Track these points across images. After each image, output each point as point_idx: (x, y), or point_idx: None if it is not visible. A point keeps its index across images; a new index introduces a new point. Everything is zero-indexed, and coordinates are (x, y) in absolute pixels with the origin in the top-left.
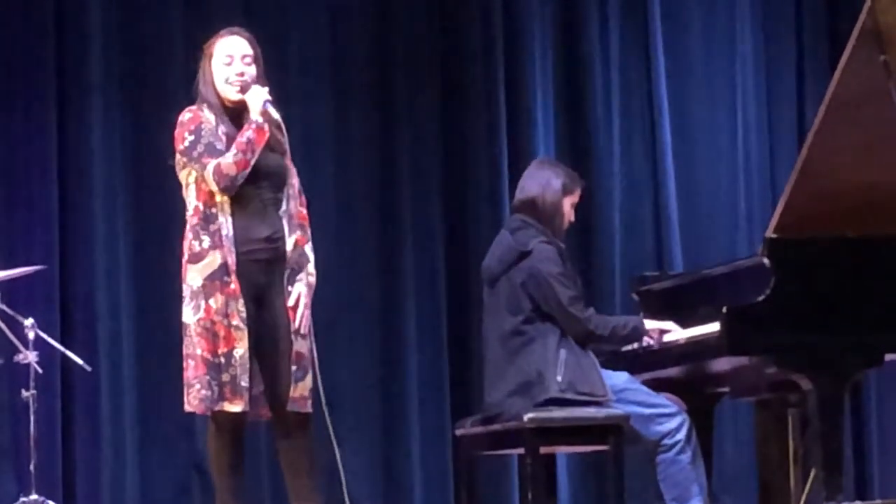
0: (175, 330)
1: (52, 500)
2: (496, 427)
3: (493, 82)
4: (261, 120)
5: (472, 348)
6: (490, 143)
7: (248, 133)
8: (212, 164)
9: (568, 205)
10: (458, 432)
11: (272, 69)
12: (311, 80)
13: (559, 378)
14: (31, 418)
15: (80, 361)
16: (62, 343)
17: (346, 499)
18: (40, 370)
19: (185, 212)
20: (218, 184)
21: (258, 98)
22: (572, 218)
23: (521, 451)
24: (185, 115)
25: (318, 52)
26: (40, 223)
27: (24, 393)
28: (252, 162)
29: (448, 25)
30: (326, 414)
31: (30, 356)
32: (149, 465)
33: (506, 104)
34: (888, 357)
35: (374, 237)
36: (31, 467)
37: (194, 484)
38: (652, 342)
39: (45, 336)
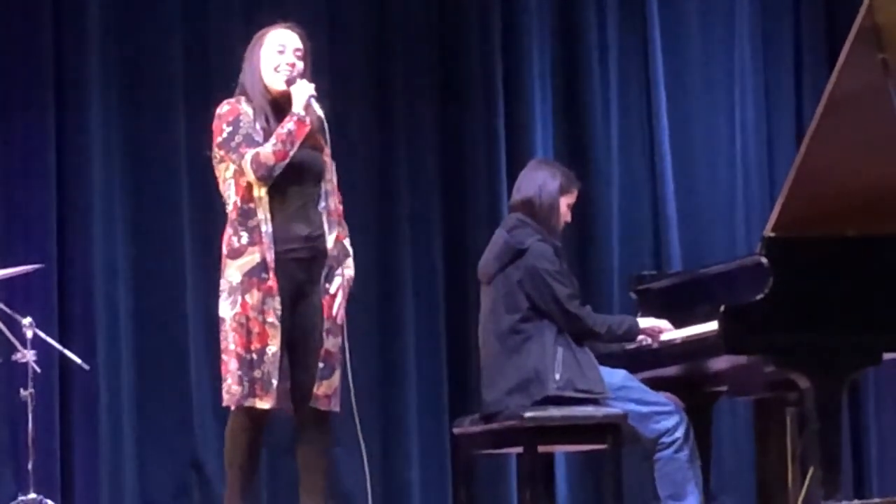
0: (173, 328)
1: (51, 499)
2: (494, 426)
3: (492, 83)
4: (303, 113)
5: (470, 347)
6: (488, 143)
7: (289, 125)
8: (250, 152)
9: (564, 205)
10: (457, 431)
11: None
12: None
13: (557, 376)
14: (30, 417)
15: (78, 360)
16: (60, 342)
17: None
18: (38, 369)
19: (224, 207)
20: (255, 172)
21: (304, 92)
22: (568, 218)
23: (520, 449)
24: (223, 108)
25: (316, 50)
26: (38, 222)
27: (23, 392)
28: (291, 153)
29: (446, 25)
30: (356, 414)
31: (28, 355)
32: (147, 464)
33: (504, 104)
34: (886, 356)
35: (372, 236)
36: (30, 466)
37: (192, 482)
38: (650, 341)
39: (43, 335)
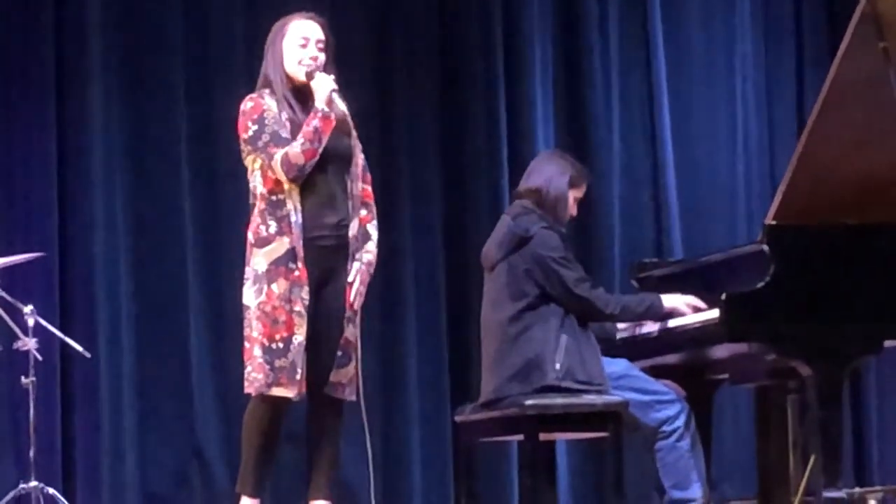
0: (174, 316)
1: (52, 486)
2: (496, 413)
3: (493, 70)
4: (327, 109)
5: (471, 334)
6: (490, 130)
7: (314, 122)
8: (279, 154)
9: (572, 198)
10: (458, 419)
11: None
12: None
13: (558, 365)
14: (31, 405)
15: (79, 348)
16: (61, 330)
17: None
18: (40, 357)
19: (250, 196)
20: (287, 174)
21: (325, 87)
22: (574, 212)
23: (521, 437)
24: (247, 104)
25: None
26: (39, 210)
27: (24, 380)
28: (320, 150)
29: (447, 14)
30: (362, 404)
31: (29, 343)
32: (148, 452)
33: (505, 92)
34: (887, 344)
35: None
36: (31, 454)
37: (193, 470)
38: (653, 329)
39: (44, 323)
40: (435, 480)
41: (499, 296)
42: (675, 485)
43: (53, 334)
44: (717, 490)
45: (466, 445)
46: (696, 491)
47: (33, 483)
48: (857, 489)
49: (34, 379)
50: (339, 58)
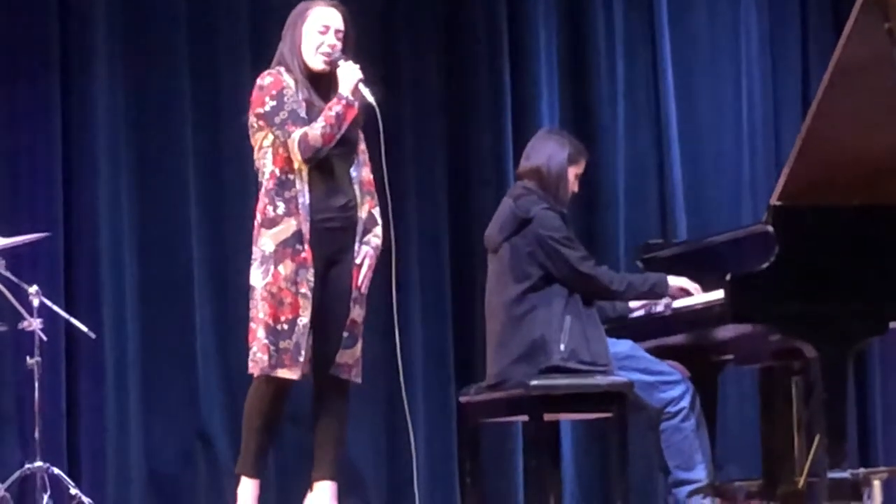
0: (179, 297)
1: (57, 467)
2: (500, 394)
3: (498, 53)
4: (352, 98)
5: (476, 316)
6: (494, 112)
7: (337, 108)
8: (298, 133)
9: (572, 175)
10: (463, 399)
11: (276, 34)
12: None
13: (562, 346)
14: (36, 386)
15: (84, 329)
16: (66, 310)
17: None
18: (45, 337)
19: (258, 175)
20: (303, 154)
21: (352, 76)
22: (576, 188)
23: (526, 418)
24: (266, 79)
25: None
26: (44, 190)
27: (29, 360)
28: (338, 137)
29: (452, 0)
30: (403, 387)
31: (34, 323)
32: (153, 433)
33: (510, 75)
34: (892, 325)
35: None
36: (36, 435)
37: (198, 452)
38: (662, 308)
39: (49, 303)
40: (440, 461)
41: (502, 277)
42: (679, 465)
43: (58, 315)
44: (722, 471)
45: (471, 426)
46: (700, 471)
47: (38, 463)
48: (861, 470)
49: (39, 359)
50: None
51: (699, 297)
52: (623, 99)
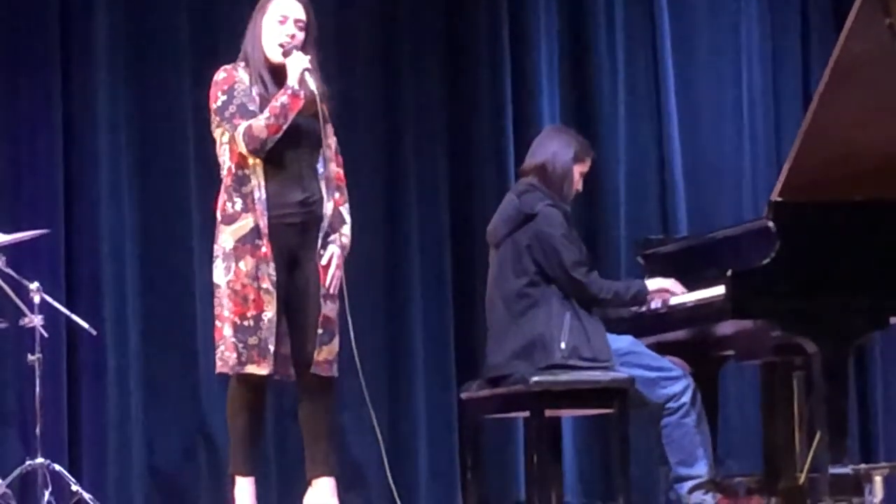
0: (180, 293)
1: (58, 463)
2: (501, 390)
3: (499, 48)
4: (297, 87)
5: (477, 311)
6: (495, 108)
7: (282, 98)
8: (243, 125)
9: (577, 173)
10: (464, 395)
11: None
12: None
13: (563, 345)
14: (37, 382)
15: (85, 325)
16: (67, 307)
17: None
18: (46, 334)
19: (218, 171)
20: (247, 145)
21: (298, 65)
22: (580, 187)
23: (527, 414)
24: (220, 75)
25: (323, 20)
26: (45, 187)
27: (30, 357)
28: (284, 127)
29: None
30: (362, 380)
31: (35, 320)
32: (154, 429)
33: (511, 69)
34: (893, 320)
35: (379, 201)
36: (37, 431)
37: (200, 447)
38: (658, 305)
39: (50, 300)
40: (441, 457)
41: (503, 272)
42: (680, 461)
43: (59, 311)
44: (723, 466)
45: (472, 422)
46: (701, 467)
47: (39, 459)
48: (862, 465)
49: (40, 356)
50: (345, 32)
51: (700, 292)
52: (623, 96)
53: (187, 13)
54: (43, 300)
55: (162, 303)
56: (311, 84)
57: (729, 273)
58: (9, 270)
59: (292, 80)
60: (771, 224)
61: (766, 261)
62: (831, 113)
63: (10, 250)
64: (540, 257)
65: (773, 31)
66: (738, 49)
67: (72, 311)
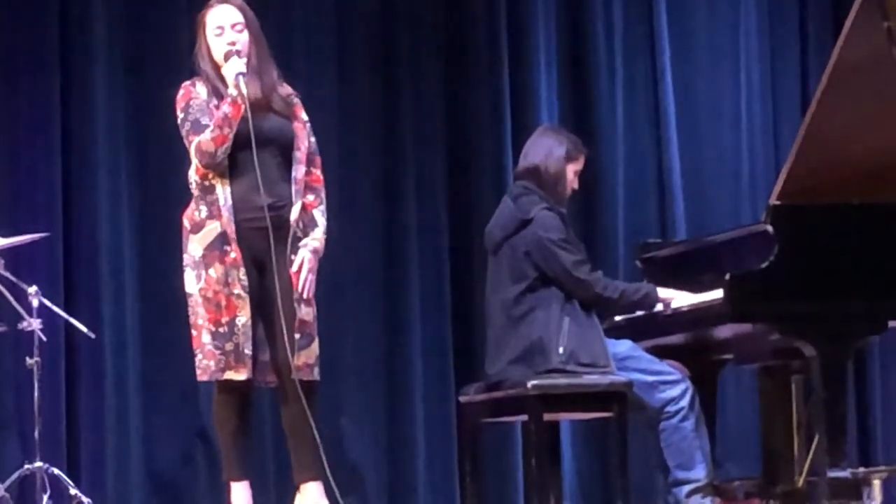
0: (179, 297)
1: (57, 467)
2: (500, 394)
3: (497, 50)
4: (234, 93)
5: (475, 315)
6: (493, 111)
7: (224, 108)
8: (194, 142)
9: (571, 172)
10: (462, 399)
11: (276, 34)
12: (315, 47)
13: (561, 349)
14: (36, 386)
15: (83, 329)
16: (66, 310)
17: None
18: (44, 338)
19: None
20: (200, 161)
21: (231, 71)
22: (576, 185)
23: (525, 418)
24: (179, 91)
25: (322, 19)
26: (43, 190)
27: (29, 360)
28: (230, 136)
29: None
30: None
31: (34, 324)
32: (153, 433)
33: (509, 72)
34: (891, 324)
35: (377, 205)
36: (36, 435)
37: (198, 451)
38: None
39: (48, 303)
40: (439, 461)
41: (501, 277)
42: (679, 465)
43: (58, 315)
44: (722, 470)
45: (471, 426)
46: (700, 471)
47: (38, 463)
48: (861, 469)
49: (38, 359)
50: (343, 34)
51: (698, 296)
52: (622, 98)
53: (187, 14)
54: (41, 304)
55: (160, 306)
56: (244, 88)
57: (727, 277)
58: (7, 274)
59: (230, 88)
60: (769, 227)
61: (764, 264)
62: (830, 116)
63: (8, 254)
64: (540, 262)
65: (771, 34)
66: (736, 52)
67: (70, 314)
